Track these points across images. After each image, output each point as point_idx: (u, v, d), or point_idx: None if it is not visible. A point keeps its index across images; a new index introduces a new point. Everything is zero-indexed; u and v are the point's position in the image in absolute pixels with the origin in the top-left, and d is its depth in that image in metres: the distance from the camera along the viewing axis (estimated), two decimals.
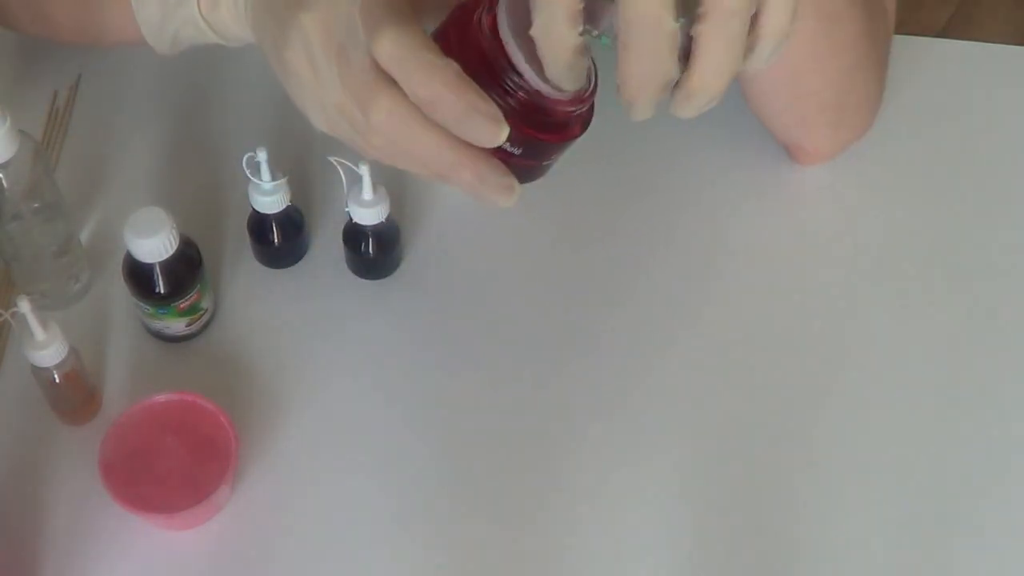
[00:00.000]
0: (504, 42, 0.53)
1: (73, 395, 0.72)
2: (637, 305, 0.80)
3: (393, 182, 0.78)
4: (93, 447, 0.69)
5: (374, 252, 0.79)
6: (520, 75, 0.54)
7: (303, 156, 0.85)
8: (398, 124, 0.54)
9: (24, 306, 0.66)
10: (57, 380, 0.70)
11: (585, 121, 0.58)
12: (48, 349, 0.68)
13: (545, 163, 0.59)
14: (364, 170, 0.73)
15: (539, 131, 0.56)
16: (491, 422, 0.75)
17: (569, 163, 0.83)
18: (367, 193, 0.75)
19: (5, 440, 0.73)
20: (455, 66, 0.52)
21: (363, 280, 0.81)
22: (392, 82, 0.54)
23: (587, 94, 0.56)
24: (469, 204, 0.83)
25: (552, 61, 0.52)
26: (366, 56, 0.54)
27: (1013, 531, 0.72)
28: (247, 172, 0.75)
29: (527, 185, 0.58)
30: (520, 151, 0.56)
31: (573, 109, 0.56)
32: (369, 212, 0.75)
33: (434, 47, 0.53)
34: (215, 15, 0.68)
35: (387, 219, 0.77)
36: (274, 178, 0.75)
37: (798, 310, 0.81)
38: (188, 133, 0.87)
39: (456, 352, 0.78)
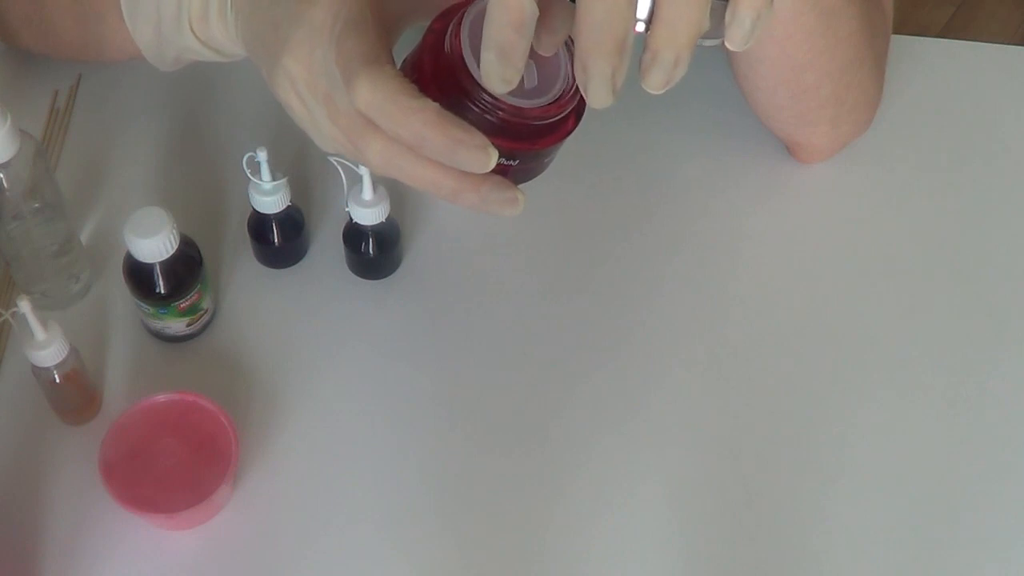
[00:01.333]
0: (470, 66, 0.53)
1: (73, 395, 0.72)
2: (638, 305, 0.80)
3: (393, 182, 0.78)
4: (93, 447, 0.69)
5: (374, 252, 0.79)
6: (495, 96, 0.54)
7: (303, 156, 0.85)
8: (392, 162, 0.55)
9: (24, 306, 0.66)
10: (57, 380, 0.70)
11: (578, 114, 0.57)
12: (48, 349, 0.68)
13: (546, 160, 0.59)
14: (364, 170, 0.74)
15: (530, 141, 0.56)
16: (492, 422, 0.75)
17: (570, 164, 0.83)
18: (367, 193, 0.75)
19: (5, 440, 0.73)
20: (432, 105, 0.52)
21: (363, 280, 0.81)
22: (376, 126, 0.54)
23: (568, 95, 0.56)
24: None
25: (491, 32, 0.48)
26: (350, 102, 0.54)
27: (1014, 532, 0.72)
28: (247, 172, 0.75)
29: (529, 186, 0.58)
30: (517, 161, 0.56)
31: (558, 114, 0.56)
32: (369, 212, 0.75)
33: (410, 88, 0.53)
34: (210, 37, 0.68)
35: (387, 219, 0.77)
36: (274, 178, 0.75)
37: (800, 311, 0.81)
38: (188, 133, 0.87)
39: (456, 352, 0.78)
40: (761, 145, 0.87)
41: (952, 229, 0.85)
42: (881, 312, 0.81)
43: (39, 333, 0.68)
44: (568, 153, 0.60)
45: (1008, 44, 0.96)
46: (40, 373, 0.70)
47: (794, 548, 0.71)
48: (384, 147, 0.55)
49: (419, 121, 0.52)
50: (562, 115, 0.56)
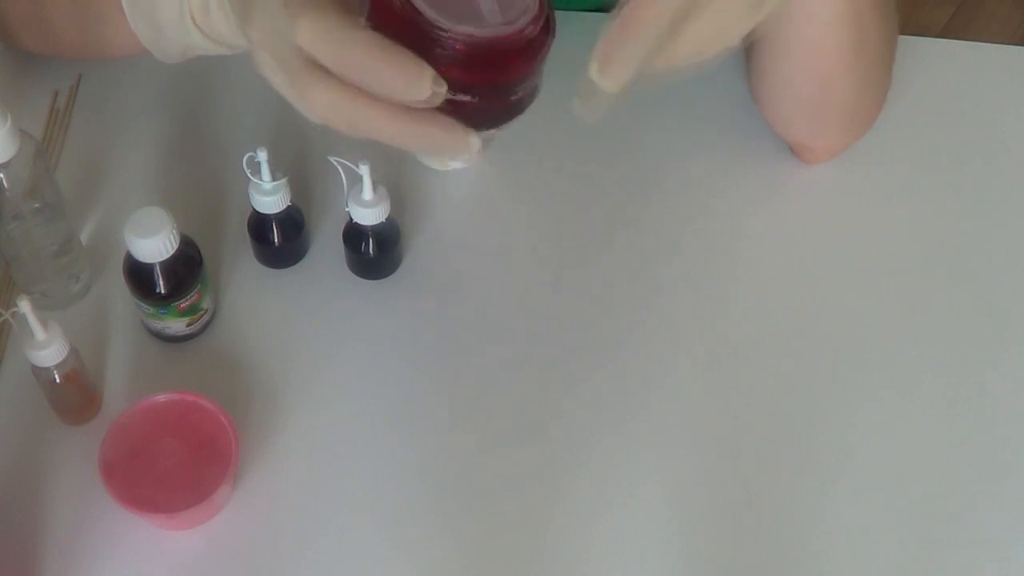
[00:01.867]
0: (416, 3, 0.53)
1: (73, 395, 0.72)
2: (638, 305, 0.80)
3: (393, 182, 0.78)
4: (93, 447, 0.69)
5: (374, 252, 0.79)
6: (445, 28, 0.53)
7: (303, 156, 0.85)
8: (336, 106, 0.54)
9: (24, 306, 0.66)
10: (57, 380, 0.70)
11: (550, 29, 0.56)
12: (48, 349, 0.68)
13: (512, 99, 0.58)
14: (364, 170, 0.74)
15: (485, 73, 0.55)
16: (492, 422, 0.75)
17: (568, 164, 0.83)
18: (367, 193, 0.75)
19: (5, 440, 0.73)
20: (371, 33, 0.52)
21: (363, 280, 0.81)
22: (321, 73, 0.54)
23: (524, 22, 0.55)
24: (470, 204, 0.83)
25: None
26: (296, 55, 0.54)
27: (1014, 532, 0.72)
28: (247, 172, 0.75)
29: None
30: (477, 98, 0.55)
31: (513, 44, 0.55)
32: (369, 212, 0.75)
33: (351, 23, 0.53)
34: (213, 30, 0.68)
35: (387, 219, 0.77)
36: (274, 178, 0.75)
37: (800, 311, 0.81)
38: (188, 133, 0.87)
39: (456, 352, 0.78)
40: (761, 145, 0.87)
41: (952, 229, 0.85)
42: (881, 312, 0.81)
43: (39, 333, 0.68)
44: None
45: (1008, 44, 0.96)
46: (40, 373, 0.70)
47: (794, 548, 0.71)
48: (326, 89, 0.54)
49: (350, 46, 0.52)
50: (516, 46, 0.55)
